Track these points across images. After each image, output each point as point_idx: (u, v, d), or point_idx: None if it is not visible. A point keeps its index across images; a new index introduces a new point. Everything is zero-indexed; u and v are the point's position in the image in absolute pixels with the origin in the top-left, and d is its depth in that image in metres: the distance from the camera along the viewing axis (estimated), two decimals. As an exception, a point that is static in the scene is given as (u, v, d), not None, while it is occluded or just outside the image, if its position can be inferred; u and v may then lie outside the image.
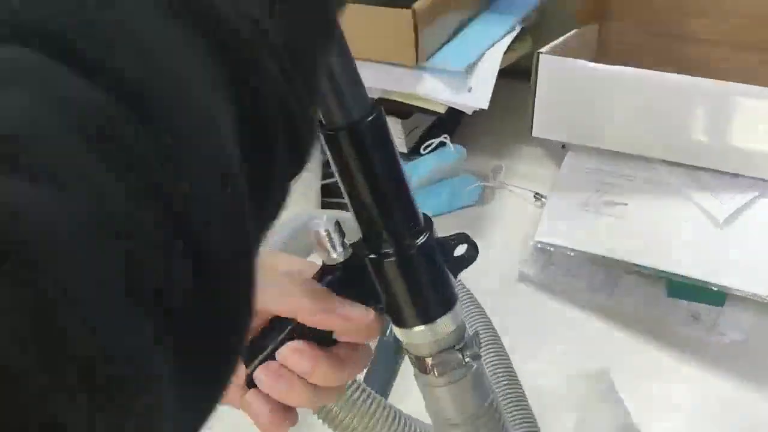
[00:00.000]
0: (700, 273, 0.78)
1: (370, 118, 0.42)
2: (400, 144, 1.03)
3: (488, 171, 1.01)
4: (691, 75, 0.81)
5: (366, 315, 0.47)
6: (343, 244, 0.44)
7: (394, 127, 1.01)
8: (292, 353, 0.47)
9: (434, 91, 0.95)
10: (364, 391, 0.57)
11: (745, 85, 0.78)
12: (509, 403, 0.73)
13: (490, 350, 0.73)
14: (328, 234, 0.45)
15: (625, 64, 0.84)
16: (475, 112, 0.95)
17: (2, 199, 0.24)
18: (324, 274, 0.46)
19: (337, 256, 0.45)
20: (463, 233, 0.47)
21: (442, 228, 0.99)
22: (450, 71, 0.95)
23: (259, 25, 0.32)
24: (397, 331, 0.49)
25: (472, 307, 0.76)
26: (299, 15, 0.37)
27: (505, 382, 0.72)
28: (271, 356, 0.46)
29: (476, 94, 0.93)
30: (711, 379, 0.77)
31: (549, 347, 0.81)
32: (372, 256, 0.45)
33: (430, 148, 0.99)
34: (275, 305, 0.47)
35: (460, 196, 0.99)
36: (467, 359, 0.49)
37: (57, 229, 0.25)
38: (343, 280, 0.46)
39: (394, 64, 0.96)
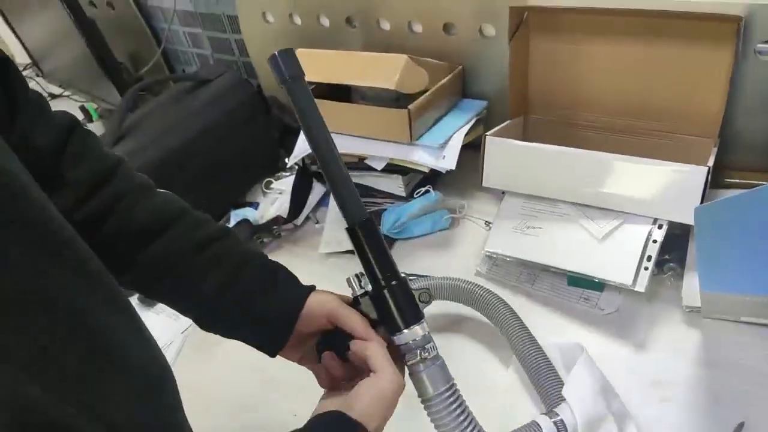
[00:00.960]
0: (587, 270, 0.80)
1: (365, 220, 0.52)
2: (401, 191, 1.06)
3: (456, 207, 1.03)
4: (582, 149, 0.83)
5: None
6: (360, 286, 0.55)
7: (397, 180, 1.05)
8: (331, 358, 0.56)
9: (421, 158, 0.98)
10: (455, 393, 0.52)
11: (615, 154, 0.81)
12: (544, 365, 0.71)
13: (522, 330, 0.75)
14: (350, 281, 0.56)
15: (540, 142, 0.87)
16: (447, 171, 0.98)
17: None
18: (353, 303, 0.55)
19: (357, 291, 0.55)
20: (426, 288, 0.55)
21: (429, 242, 1.05)
22: (431, 146, 0.99)
23: None
24: (393, 340, 0.53)
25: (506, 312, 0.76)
26: None
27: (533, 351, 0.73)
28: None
29: (448, 161, 0.97)
30: (594, 337, 0.79)
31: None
32: (374, 291, 0.53)
33: (420, 194, 1.03)
34: (341, 322, 0.54)
35: (439, 223, 1.02)
36: (424, 355, 0.52)
37: None
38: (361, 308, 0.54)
39: (397, 141, 1.00)
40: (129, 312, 0.45)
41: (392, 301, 0.52)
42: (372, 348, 0.51)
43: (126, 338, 0.42)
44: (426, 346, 0.52)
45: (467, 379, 0.55)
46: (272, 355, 0.59)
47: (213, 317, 0.58)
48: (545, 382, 0.69)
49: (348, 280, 0.56)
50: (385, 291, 0.52)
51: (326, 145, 0.53)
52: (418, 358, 0.51)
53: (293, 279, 0.61)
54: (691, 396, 0.70)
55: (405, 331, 0.52)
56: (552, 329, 0.80)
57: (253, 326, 0.58)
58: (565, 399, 0.65)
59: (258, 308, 0.57)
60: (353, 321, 0.54)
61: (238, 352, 0.60)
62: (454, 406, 0.51)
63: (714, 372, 0.71)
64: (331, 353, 0.57)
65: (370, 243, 0.53)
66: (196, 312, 0.58)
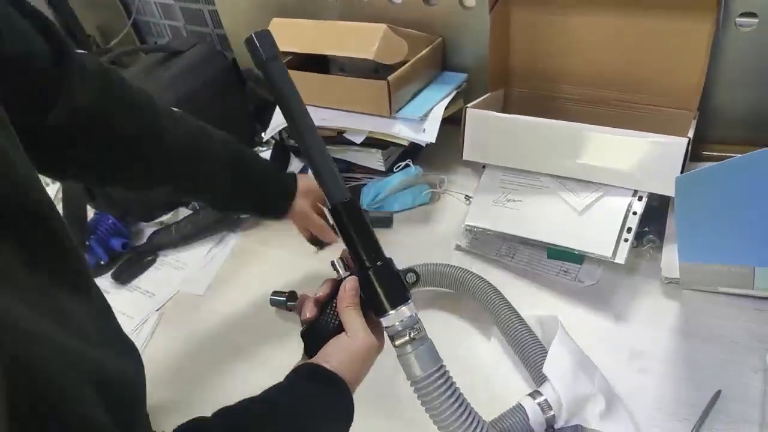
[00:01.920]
0: (567, 242, 0.80)
1: (348, 200, 0.53)
2: (380, 165, 1.04)
3: (436, 182, 1.02)
4: (561, 120, 0.82)
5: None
6: (345, 269, 0.55)
7: (376, 155, 1.04)
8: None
9: (401, 131, 0.97)
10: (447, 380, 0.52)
11: (593, 125, 0.80)
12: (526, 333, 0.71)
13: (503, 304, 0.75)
14: (335, 264, 0.56)
15: (520, 114, 0.86)
16: (427, 144, 0.96)
17: None
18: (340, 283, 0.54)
19: (342, 274, 0.54)
20: (412, 268, 0.54)
21: (409, 217, 1.04)
22: (411, 119, 0.97)
23: None
24: (381, 322, 0.52)
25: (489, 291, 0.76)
26: None
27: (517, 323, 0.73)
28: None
29: (428, 134, 0.96)
30: (573, 310, 0.79)
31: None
32: (359, 273, 0.53)
33: (399, 168, 1.01)
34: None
35: (419, 198, 1.00)
36: (413, 335, 0.51)
37: None
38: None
39: (377, 115, 0.98)
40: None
41: (377, 283, 0.51)
42: (347, 313, 0.52)
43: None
44: (414, 327, 0.51)
45: (453, 357, 0.54)
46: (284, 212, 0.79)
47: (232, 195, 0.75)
48: (532, 356, 0.69)
49: (332, 263, 0.54)
50: (370, 272, 0.51)
51: (306, 126, 0.53)
52: (406, 338, 0.50)
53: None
54: (669, 366, 0.70)
55: (391, 312, 0.51)
56: (532, 302, 0.80)
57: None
58: (546, 377, 0.65)
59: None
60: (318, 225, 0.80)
61: (209, 328, 0.60)
62: (444, 387, 0.49)
63: (692, 342, 0.72)
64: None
65: (353, 224, 0.52)
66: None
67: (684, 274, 0.75)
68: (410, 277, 0.53)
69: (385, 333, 0.53)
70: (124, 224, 1.05)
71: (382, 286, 0.51)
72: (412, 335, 0.50)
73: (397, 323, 0.51)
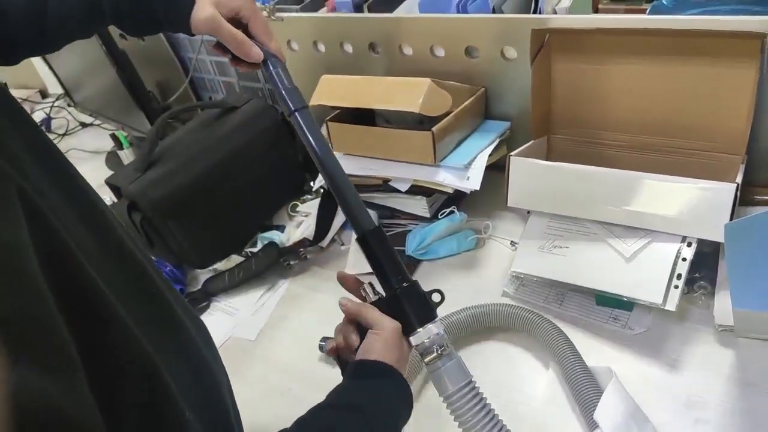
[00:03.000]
0: (615, 289, 0.79)
1: (374, 228, 0.57)
2: (425, 212, 1.06)
3: (481, 228, 1.03)
4: (605, 167, 0.83)
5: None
6: (375, 293, 0.58)
7: (421, 201, 1.06)
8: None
9: (446, 179, 0.99)
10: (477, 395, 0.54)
11: (639, 172, 0.81)
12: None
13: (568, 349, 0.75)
14: (364, 290, 0.59)
15: (564, 162, 0.87)
16: (471, 192, 0.98)
17: None
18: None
19: (372, 298, 0.58)
20: (437, 289, 0.57)
21: (454, 263, 1.05)
22: (455, 167, 0.99)
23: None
24: (411, 340, 0.55)
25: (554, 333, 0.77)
26: None
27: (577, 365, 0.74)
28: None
29: (472, 181, 0.97)
30: (624, 358, 0.78)
31: (522, 337, 0.84)
32: (388, 295, 0.57)
33: (444, 214, 1.03)
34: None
35: (464, 244, 1.02)
36: (441, 352, 0.54)
37: None
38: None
39: (422, 163, 1.01)
40: None
41: (405, 303, 0.54)
42: (364, 310, 0.56)
43: None
44: (441, 343, 0.54)
45: (502, 388, 0.56)
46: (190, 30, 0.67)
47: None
48: (587, 400, 0.69)
49: (362, 289, 0.59)
50: (398, 293, 0.55)
51: (332, 164, 0.60)
52: (435, 354, 0.53)
53: None
54: (727, 417, 0.68)
55: (420, 330, 0.54)
56: (582, 350, 0.79)
57: None
58: (597, 424, 0.64)
59: None
60: (232, 36, 0.65)
61: (260, 373, 0.60)
62: (474, 401, 0.52)
63: (750, 392, 0.70)
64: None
65: (380, 249, 0.56)
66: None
67: (738, 322, 0.74)
68: (435, 297, 0.56)
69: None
70: (180, 271, 1.10)
71: (410, 305, 0.54)
72: (440, 351, 0.53)
73: (426, 340, 0.54)
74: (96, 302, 0.34)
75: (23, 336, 0.26)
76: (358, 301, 0.58)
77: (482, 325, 0.83)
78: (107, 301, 0.35)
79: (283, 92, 0.63)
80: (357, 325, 0.57)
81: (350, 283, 0.61)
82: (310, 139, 0.60)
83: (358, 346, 0.55)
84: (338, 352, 0.58)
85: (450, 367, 0.53)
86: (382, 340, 0.53)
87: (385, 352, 0.52)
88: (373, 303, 0.57)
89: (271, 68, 0.66)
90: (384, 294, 0.57)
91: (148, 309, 0.42)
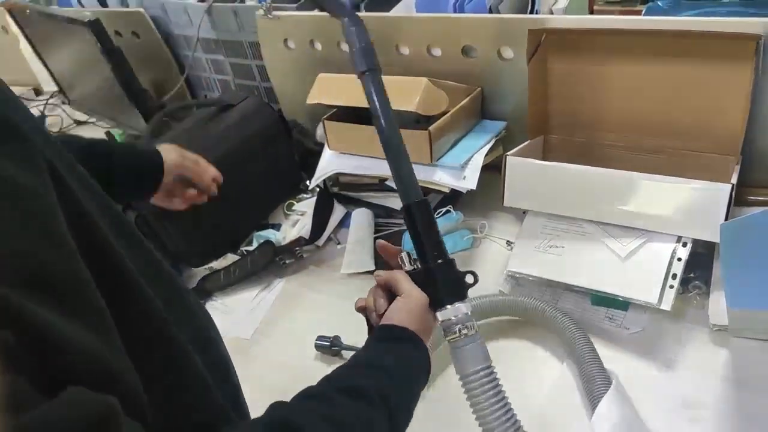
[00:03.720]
0: (611, 289, 0.80)
1: (421, 200, 0.57)
2: (421, 212, 1.06)
3: (477, 227, 1.03)
4: (601, 167, 0.84)
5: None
6: (411, 263, 0.58)
7: (418, 201, 1.05)
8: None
9: (442, 179, 0.99)
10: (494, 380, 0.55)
11: (635, 172, 0.81)
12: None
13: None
14: (401, 258, 0.59)
15: (560, 162, 0.88)
16: (468, 191, 0.98)
17: None
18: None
19: (408, 267, 0.58)
20: (472, 270, 0.57)
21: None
22: (452, 167, 1.00)
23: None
24: (437, 316, 0.56)
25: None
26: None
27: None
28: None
29: (468, 181, 0.98)
30: (620, 357, 0.78)
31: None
32: (423, 267, 0.56)
33: (440, 214, 1.03)
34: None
35: (460, 243, 1.02)
36: (464, 331, 0.54)
37: None
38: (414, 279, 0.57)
39: (419, 162, 1.00)
40: None
41: (439, 278, 0.55)
42: (396, 275, 0.57)
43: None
44: (467, 324, 0.54)
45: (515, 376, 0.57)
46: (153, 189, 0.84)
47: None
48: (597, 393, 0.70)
49: (400, 257, 0.59)
50: (433, 268, 0.55)
51: (392, 129, 0.60)
52: (459, 334, 0.54)
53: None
54: (722, 416, 0.69)
55: (448, 306, 0.54)
56: (577, 349, 0.80)
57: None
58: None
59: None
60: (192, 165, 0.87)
61: (255, 372, 0.60)
62: (490, 386, 0.52)
63: (744, 391, 0.71)
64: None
65: (424, 222, 0.56)
66: None
67: (733, 322, 0.74)
68: (469, 278, 0.57)
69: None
70: (176, 269, 1.09)
71: (444, 281, 0.55)
72: (464, 332, 0.54)
73: (453, 318, 0.54)
74: (123, 274, 0.36)
75: (63, 289, 0.28)
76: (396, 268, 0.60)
77: (498, 314, 0.84)
78: (133, 276, 0.37)
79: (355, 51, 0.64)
80: (388, 292, 0.58)
81: (390, 252, 0.61)
82: (375, 100, 0.62)
83: (385, 311, 0.56)
84: (366, 313, 0.60)
85: (472, 348, 0.54)
86: (407, 308, 0.54)
87: (409, 319, 0.53)
88: (407, 272, 0.57)
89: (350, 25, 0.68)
90: (420, 266, 0.57)
91: (164, 291, 0.42)
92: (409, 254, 0.58)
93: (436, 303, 0.55)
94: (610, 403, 0.67)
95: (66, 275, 0.29)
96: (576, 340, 0.76)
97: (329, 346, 0.89)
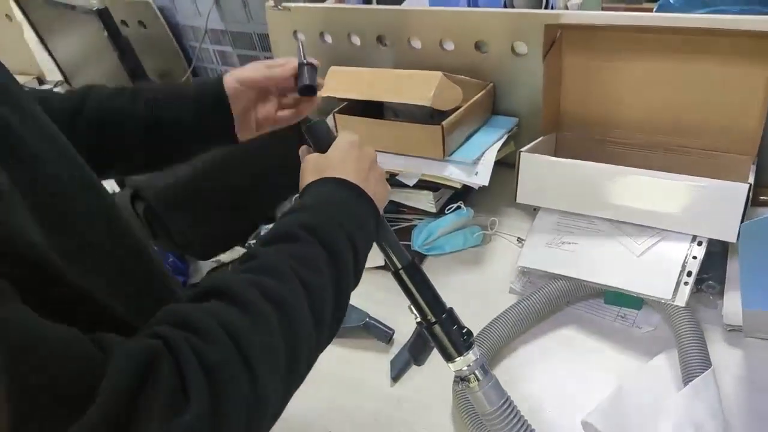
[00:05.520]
0: (625, 285, 0.79)
1: (408, 264, 0.58)
2: (431, 207, 1.06)
3: (488, 224, 1.03)
4: (614, 164, 0.84)
5: None
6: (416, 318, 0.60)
7: (428, 196, 1.05)
8: None
9: (454, 174, 0.99)
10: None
11: (646, 170, 0.81)
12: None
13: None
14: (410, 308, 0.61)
15: (571, 158, 0.88)
16: (479, 187, 0.98)
17: None
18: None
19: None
20: (468, 330, 0.59)
21: (460, 259, 1.04)
22: (464, 162, 0.99)
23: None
24: (450, 367, 0.58)
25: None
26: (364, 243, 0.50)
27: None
28: None
29: (480, 177, 0.98)
30: (632, 355, 0.78)
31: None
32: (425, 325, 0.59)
33: (451, 210, 1.02)
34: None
35: (470, 239, 1.01)
36: (480, 376, 0.58)
37: None
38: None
39: (430, 158, 1.01)
40: None
41: (444, 334, 0.57)
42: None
43: None
44: (480, 368, 0.57)
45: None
46: (230, 138, 0.70)
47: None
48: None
49: (409, 307, 0.60)
50: (437, 326, 0.57)
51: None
52: (475, 379, 0.57)
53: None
54: (733, 418, 0.68)
55: (458, 358, 0.57)
56: (589, 348, 0.80)
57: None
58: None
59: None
60: (260, 72, 0.67)
61: None
62: (511, 416, 0.56)
63: (757, 392, 0.70)
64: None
65: (416, 284, 0.58)
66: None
67: (748, 322, 0.74)
68: (466, 332, 0.59)
69: None
70: (183, 263, 1.09)
71: (449, 336, 0.57)
72: (479, 376, 0.57)
73: (465, 368, 0.57)
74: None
75: None
76: None
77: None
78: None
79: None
80: None
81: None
82: None
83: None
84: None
85: (488, 389, 0.57)
86: (337, 147, 0.56)
87: (338, 158, 0.55)
88: (416, 331, 0.60)
89: None
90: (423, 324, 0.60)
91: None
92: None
93: (447, 357, 0.58)
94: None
95: None
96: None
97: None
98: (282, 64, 0.68)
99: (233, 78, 0.67)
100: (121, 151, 0.66)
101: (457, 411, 0.70)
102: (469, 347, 0.57)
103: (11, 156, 0.36)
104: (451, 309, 0.59)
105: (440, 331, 0.57)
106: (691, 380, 0.68)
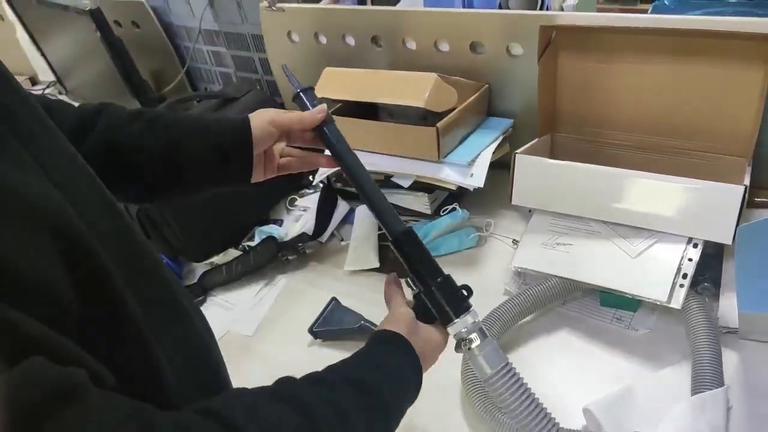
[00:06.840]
0: (620, 286, 0.79)
1: (405, 230, 0.59)
2: (426, 209, 1.06)
3: (483, 225, 1.03)
4: (609, 165, 0.83)
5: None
6: (415, 287, 0.60)
7: (422, 198, 1.05)
8: None
9: (449, 176, 0.99)
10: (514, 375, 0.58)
11: (642, 171, 0.81)
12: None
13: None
14: (408, 282, 0.62)
15: (568, 160, 0.87)
16: (474, 189, 0.98)
17: None
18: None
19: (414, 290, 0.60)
20: (466, 285, 0.60)
21: (455, 260, 1.05)
22: (459, 164, 0.99)
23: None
24: (449, 331, 0.58)
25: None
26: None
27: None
28: None
29: (475, 178, 0.97)
30: (627, 357, 0.78)
31: (525, 336, 0.84)
32: (425, 291, 0.59)
33: (446, 211, 1.02)
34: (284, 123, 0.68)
35: (465, 241, 1.01)
36: (479, 339, 0.57)
37: None
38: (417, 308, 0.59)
39: (425, 159, 1.00)
40: None
41: (442, 297, 0.57)
42: (391, 293, 0.60)
43: None
44: (478, 332, 0.57)
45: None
46: (246, 179, 0.69)
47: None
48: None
49: (406, 282, 0.61)
50: (434, 289, 0.58)
51: (360, 170, 0.63)
52: (472, 343, 0.56)
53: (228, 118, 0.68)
54: (731, 419, 0.68)
55: (457, 321, 0.57)
56: (585, 350, 0.80)
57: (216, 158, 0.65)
58: None
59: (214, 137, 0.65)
60: (293, 117, 0.66)
61: (257, 368, 0.60)
62: (512, 381, 0.56)
63: (752, 394, 0.70)
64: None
65: (413, 250, 0.59)
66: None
67: (743, 324, 0.74)
68: (466, 289, 0.60)
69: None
70: (176, 264, 1.08)
71: (446, 299, 0.57)
72: (478, 339, 0.57)
73: (463, 330, 0.57)
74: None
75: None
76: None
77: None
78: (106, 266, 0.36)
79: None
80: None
81: (397, 284, 0.63)
82: (338, 150, 0.65)
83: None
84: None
85: (487, 352, 0.56)
86: (391, 323, 0.56)
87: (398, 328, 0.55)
88: (414, 296, 0.60)
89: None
90: (421, 289, 0.60)
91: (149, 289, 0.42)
92: (413, 279, 0.61)
93: (445, 320, 0.58)
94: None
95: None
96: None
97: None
98: (309, 112, 0.68)
99: (263, 119, 0.67)
100: (129, 178, 0.63)
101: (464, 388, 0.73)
102: (467, 309, 0.57)
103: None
104: (448, 275, 0.59)
105: (439, 294, 0.57)
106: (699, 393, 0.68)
